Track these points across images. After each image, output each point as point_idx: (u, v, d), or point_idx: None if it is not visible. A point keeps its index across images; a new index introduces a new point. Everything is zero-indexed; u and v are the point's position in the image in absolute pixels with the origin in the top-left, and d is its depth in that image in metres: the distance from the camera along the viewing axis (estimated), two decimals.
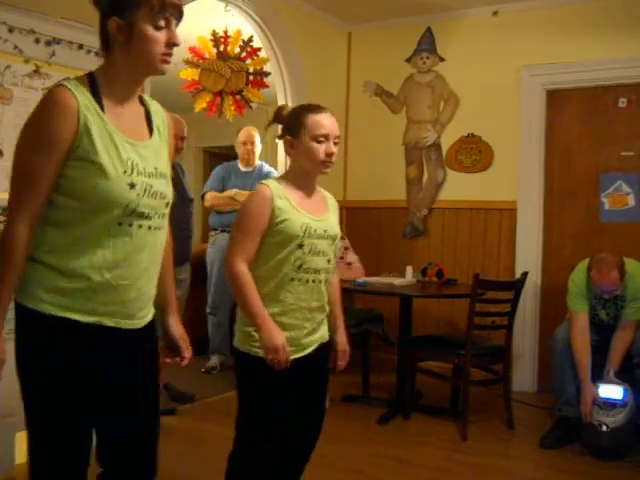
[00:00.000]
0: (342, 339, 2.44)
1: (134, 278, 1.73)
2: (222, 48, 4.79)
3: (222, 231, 5.06)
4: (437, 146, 5.33)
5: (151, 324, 1.85)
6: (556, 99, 4.94)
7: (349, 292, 4.65)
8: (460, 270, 4.88)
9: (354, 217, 5.59)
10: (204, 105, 4.91)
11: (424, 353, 4.19)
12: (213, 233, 5.16)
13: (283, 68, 5.01)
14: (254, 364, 2.19)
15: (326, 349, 2.39)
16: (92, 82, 1.68)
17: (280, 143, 5.37)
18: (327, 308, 2.35)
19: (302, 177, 2.27)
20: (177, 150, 4.31)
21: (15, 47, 3.09)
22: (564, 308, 4.01)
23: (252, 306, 2.14)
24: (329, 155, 2.21)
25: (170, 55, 1.70)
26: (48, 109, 1.61)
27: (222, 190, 5.11)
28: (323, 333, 2.37)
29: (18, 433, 3.23)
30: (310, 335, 2.30)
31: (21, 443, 3.23)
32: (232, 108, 4.84)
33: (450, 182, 5.28)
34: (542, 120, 4.94)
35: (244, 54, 4.80)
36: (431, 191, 5.35)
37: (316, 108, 2.26)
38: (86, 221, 1.65)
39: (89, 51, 3.38)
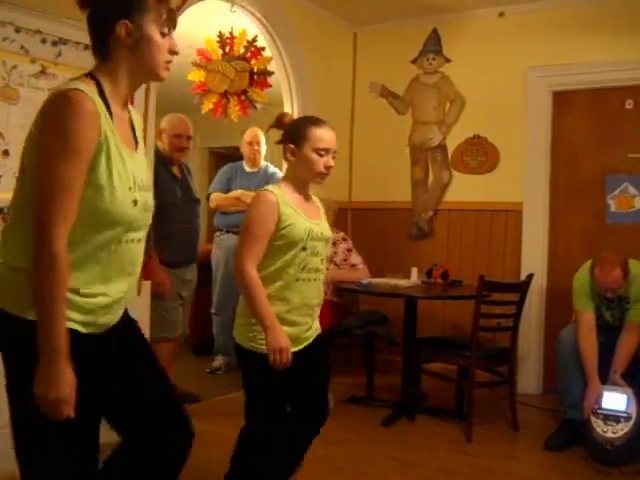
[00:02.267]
0: None
1: (123, 291, 1.73)
2: (227, 49, 4.80)
3: (227, 232, 5.06)
4: (443, 147, 5.32)
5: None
6: (562, 100, 4.92)
7: (354, 293, 4.65)
8: (465, 272, 4.86)
9: (359, 218, 5.58)
10: (211, 106, 4.92)
11: (429, 354, 4.18)
12: (218, 234, 5.17)
13: (288, 69, 5.01)
14: (260, 360, 2.31)
15: (321, 338, 2.58)
16: (98, 86, 1.63)
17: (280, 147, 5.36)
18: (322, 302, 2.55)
19: (300, 184, 2.45)
20: (183, 150, 4.32)
21: (22, 47, 3.09)
22: (570, 310, 3.99)
23: (262, 309, 2.28)
24: (327, 168, 2.41)
25: (171, 62, 1.71)
26: (77, 116, 1.51)
27: (227, 191, 5.11)
28: (317, 325, 2.56)
29: None
30: (309, 329, 2.49)
31: None
32: (237, 109, 4.84)
33: (456, 183, 5.27)
34: (548, 121, 4.93)
35: (248, 54, 4.81)
36: (436, 192, 5.34)
37: (319, 122, 2.44)
38: (89, 239, 1.60)
39: None
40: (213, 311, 5.17)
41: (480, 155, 5.17)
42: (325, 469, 3.38)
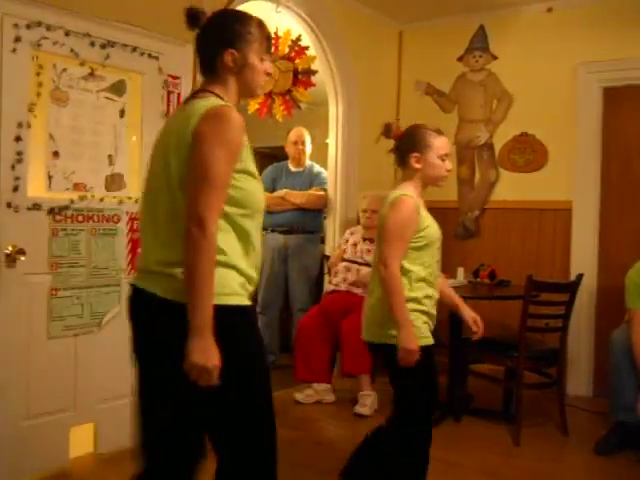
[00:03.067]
0: (467, 311, 2.91)
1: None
2: (272, 49, 4.83)
3: (272, 231, 5.09)
4: (489, 145, 5.25)
5: None
6: (613, 97, 4.81)
7: None
8: (513, 271, 4.79)
9: None
10: (257, 106, 4.97)
11: (475, 355, 4.13)
12: (264, 233, 5.19)
13: (334, 68, 5.00)
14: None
15: None
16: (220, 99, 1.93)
17: (330, 143, 5.34)
18: None
19: (422, 188, 2.69)
20: None
21: (71, 50, 3.15)
22: (621, 311, 3.90)
23: (404, 308, 2.50)
24: (447, 171, 2.69)
25: (264, 82, 2.00)
26: (237, 127, 1.79)
27: (273, 190, 5.13)
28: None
29: (73, 427, 3.30)
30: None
31: (75, 437, 3.31)
32: (281, 108, 4.88)
33: (503, 182, 5.20)
34: (599, 118, 4.82)
35: (293, 53, 4.83)
36: (483, 191, 5.28)
37: (438, 131, 2.72)
38: (245, 226, 1.86)
39: (142, 53, 3.43)
40: (259, 310, 5.19)
41: (528, 153, 5.08)
42: None
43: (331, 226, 5.23)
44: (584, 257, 4.80)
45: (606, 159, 4.83)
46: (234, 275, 1.82)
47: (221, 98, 1.89)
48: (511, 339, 4.04)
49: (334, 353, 4.58)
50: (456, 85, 5.40)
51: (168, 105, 3.58)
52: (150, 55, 3.46)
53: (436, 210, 5.60)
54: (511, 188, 5.15)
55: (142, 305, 1.89)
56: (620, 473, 3.40)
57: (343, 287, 4.60)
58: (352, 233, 4.81)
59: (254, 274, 1.90)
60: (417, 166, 2.66)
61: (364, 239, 4.68)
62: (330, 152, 5.20)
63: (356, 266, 4.60)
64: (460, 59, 5.36)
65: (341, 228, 5.07)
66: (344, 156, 5.13)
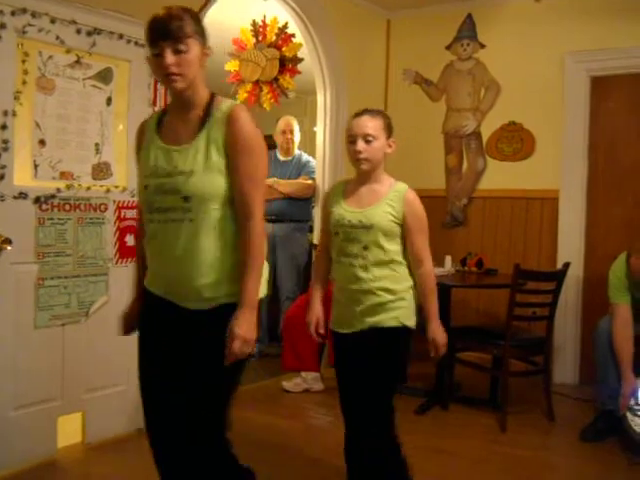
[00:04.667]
0: (431, 328, 2.58)
1: (166, 266, 2.01)
2: (260, 37, 4.81)
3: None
4: (477, 134, 5.26)
5: (213, 312, 1.98)
6: (601, 86, 4.82)
7: None
8: (500, 260, 4.81)
9: None
10: (245, 95, 4.95)
11: (463, 344, 4.15)
12: None
13: (321, 56, 4.98)
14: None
15: (383, 334, 2.47)
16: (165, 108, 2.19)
17: (318, 131, 5.34)
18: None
19: (357, 173, 2.55)
20: None
21: (57, 38, 3.12)
22: (607, 300, 3.93)
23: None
24: (356, 153, 2.45)
25: (174, 75, 1.90)
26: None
27: None
28: (367, 318, 2.47)
29: (61, 417, 3.29)
30: (355, 315, 2.48)
31: (63, 427, 3.31)
32: (269, 97, 4.86)
33: (490, 171, 5.21)
34: (586, 108, 4.83)
35: (279, 41, 4.82)
36: (471, 180, 5.29)
37: (358, 112, 2.54)
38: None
39: (129, 41, 3.40)
40: None
41: (516, 142, 5.09)
42: None
43: (319, 215, 5.23)
44: (571, 246, 4.83)
45: (593, 148, 4.85)
46: None
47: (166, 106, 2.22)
48: (498, 327, 4.07)
49: (323, 342, 4.59)
50: (444, 74, 5.39)
51: (155, 93, 3.55)
52: (137, 43, 3.43)
53: (424, 198, 5.62)
54: (499, 177, 5.16)
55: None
56: (605, 459, 3.43)
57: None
58: None
59: (150, 265, 2.11)
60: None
61: None
62: (318, 141, 5.19)
63: None
64: (448, 47, 5.35)
65: None
66: (332, 145, 5.12)
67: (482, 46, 5.22)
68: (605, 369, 3.74)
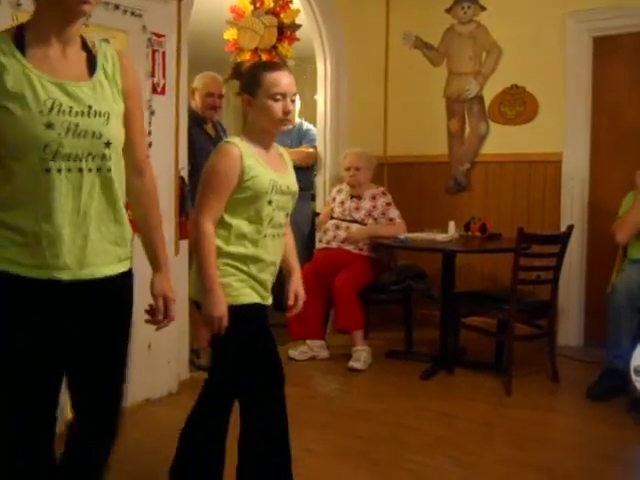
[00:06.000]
0: (293, 282, 2.47)
1: (76, 225, 1.69)
2: (258, 4, 4.76)
3: None
4: (479, 98, 5.22)
5: (123, 276, 1.84)
6: (604, 46, 4.76)
7: (391, 248, 4.65)
8: (504, 224, 4.80)
9: (395, 173, 5.53)
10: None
11: (467, 309, 4.17)
12: None
13: (320, 23, 4.93)
14: (238, 314, 2.23)
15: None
16: (20, 31, 1.71)
17: (318, 100, 5.31)
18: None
19: (262, 135, 2.31)
20: (215, 109, 4.32)
21: None
22: (612, 261, 3.93)
23: (210, 269, 2.18)
24: (286, 113, 2.26)
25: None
26: None
27: None
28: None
29: None
30: (269, 289, 2.38)
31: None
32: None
33: (493, 135, 5.18)
34: (589, 69, 4.78)
35: (277, 8, 4.77)
36: (473, 145, 5.26)
37: (273, 66, 2.32)
38: (12, 170, 1.63)
39: (125, 11, 3.36)
40: None
41: (518, 105, 5.05)
42: (365, 422, 3.43)
43: (321, 183, 5.22)
44: (574, 209, 4.81)
45: (596, 110, 4.80)
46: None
47: (20, 28, 1.73)
48: (502, 292, 4.08)
49: (327, 310, 4.62)
50: (445, 37, 5.33)
51: (153, 64, 3.52)
52: (133, 13, 3.39)
53: (426, 164, 5.63)
54: (501, 141, 5.13)
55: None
56: (610, 419, 3.46)
57: (334, 244, 4.62)
58: (339, 191, 4.80)
59: (33, 227, 1.66)
60: (249, 109, 2.30)
61: (351, 197, 4.68)
62: (319, 109, 5.16)
63: (345, 223, 4.61)
64: (448, 11, 5.28)
65: (331, 185, 5.06)
66: (333, 112, 5.09)
67: (482, 8, 5.15)
68: (618, 328, 3.74)
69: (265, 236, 2.26)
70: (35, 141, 1.61)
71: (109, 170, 1.73)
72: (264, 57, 4.73)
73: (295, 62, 4.99)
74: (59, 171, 1.64)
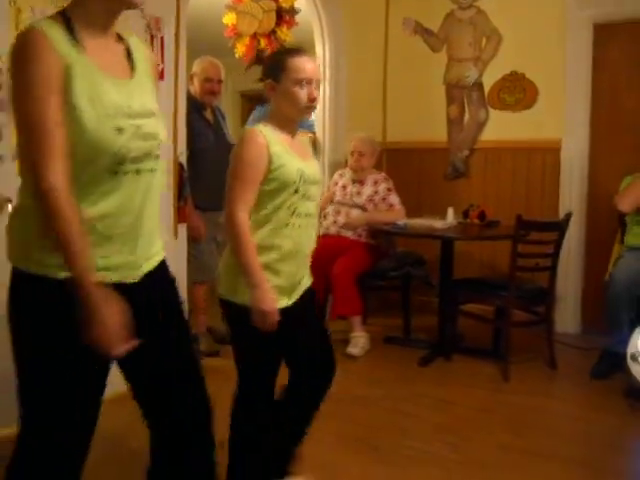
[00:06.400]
0: None
1: (129, 225, 1.65)
2: None
3: None
4: (479, 85, 5.19)
5: (162, 265, 1.81)
6: (605, 34, 4.73)
7: (390, 235, 4.65)
8: (503, 211, 4.80)
9: (394, 159, 5.52)
10: (243, 49, 4.89)
11: (466, 295, 4.18)
12: None
13: (319, 6, 4.91)
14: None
15: (311, 293, 2.39)
16: (67, 21, 1.57)
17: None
18: None
19: (286, 122, 2.24)
20: (214, 94, 4.30)
21: None
22: (610, 248, 3.93)
23: (252, 263, 2.10)
24: (312, 100, 2.19)
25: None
26: (31, 55, 1.50)
27: None
28: (308, 279, 2.37)
29: None
30: (302, 280, 2.31)
31: None
32: (267, 50, 4.80)
33: (492, 122, 5.16)
34: (589, 56, 4.75)
35: None
36: (473, 131, 5.24)
37: (297, 52, 2.23)
38: (76, 173, 1.55)
39: None
40: None
41: (518, 92, 5.03)
42: (364, 408, 3.44)
43: (320, 168, 5.21)
44: (573, 196, 4.81)
45: (596, 97, 4.78)
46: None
47: (66, 18, 1.57)
48: (501, 279, 4.09)
49: (326, 295, 4.62)
50: (445, 23, 5.30)
51: (152, 40, 3.50)
52: None
53: (425, 150, 5.61)
54: (501, 127, 5.12)
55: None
56: (606, 405, 3.48)
57: (333, 230, 4.62)
58: (341, 175, 4.81)
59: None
60: (272, 95, 2.22)
61: (353, 181, 4.68)
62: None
63: (346, 208, 4.62)
64: None
65: (330, 170, 5.06)
66: (332, 98, 5.08)
67: None
68: (618, 315, 3.75)
69: (287, 225, 2.17)
70: (107, 145, 1.55)
71: (159, 171, 1.72)
72: (263, 42, 4.71)
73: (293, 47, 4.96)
74: (125, 174, 1.60)
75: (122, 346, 1.56)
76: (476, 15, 5.16)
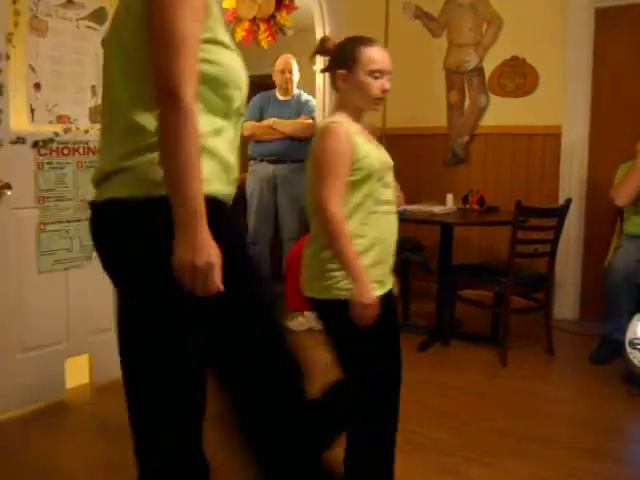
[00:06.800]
0: None
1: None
2: None
3: (261, 160, 5.05)
4: (479, 70, 5.18)
5: None
6: (606, 18, 4.71)
7: None
8: (502, 197, 4.80)
9: (394, 144, 5.49)
10: (243, 34, 4.87)
11: (464, 281, 4.18)
12: (252, 163, 5.15)
13: None
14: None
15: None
16: None
17: (317, 70, 5.25)
18: None
19: (356, 112, 2.22)
20: None
21: None
22: (609, 235, 3.94)
23: (352, 257, 2.06)
24: (384, 91, 2.16)
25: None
26: None
27: (260, 119, 5.06)
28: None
29: (68, 358, 3.35)
30: (391, 271, 2.29)
31: (71, 368, 3.37)
32: (266, 34, 4.78)
33: (493, 107, 5.15)
34: (590, 41, 4.73)
35: None
36: (473, 117, 5.23)
37: (370, 41, 2.20)
38: (220, 107, 1.60)
39: None
40: (249, 241, 5.21)
41: (518, 77, 5.02)
42: None
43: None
44: (573, 182, 4.80)
45: (597, 83, 4.77)
46: (209, 161, 1.47)
47: None
48: (500, 265, 4.09)
49: None
50: (445, 8, 5.27)
51: None
52: None
53: (425, 136, 5.60)
54: (501, 113, 5.11)
55: (99, 222, 1.57)
56: (604, 390, 3.50)
57: None
58: None
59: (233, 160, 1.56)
60: (343, 86, 2.18)
61: None
62: (318, 80, 5.12)
63: None
64: None
65: None
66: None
67: None
68: (617, 303, 3.76)
69: (376, 213, 2.16)
70: (241, 82, 1.66)
71: None
72: (262, 27, 4.68)
73: (293, 31, 4.94)
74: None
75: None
76: (477, 0, 5.13)
